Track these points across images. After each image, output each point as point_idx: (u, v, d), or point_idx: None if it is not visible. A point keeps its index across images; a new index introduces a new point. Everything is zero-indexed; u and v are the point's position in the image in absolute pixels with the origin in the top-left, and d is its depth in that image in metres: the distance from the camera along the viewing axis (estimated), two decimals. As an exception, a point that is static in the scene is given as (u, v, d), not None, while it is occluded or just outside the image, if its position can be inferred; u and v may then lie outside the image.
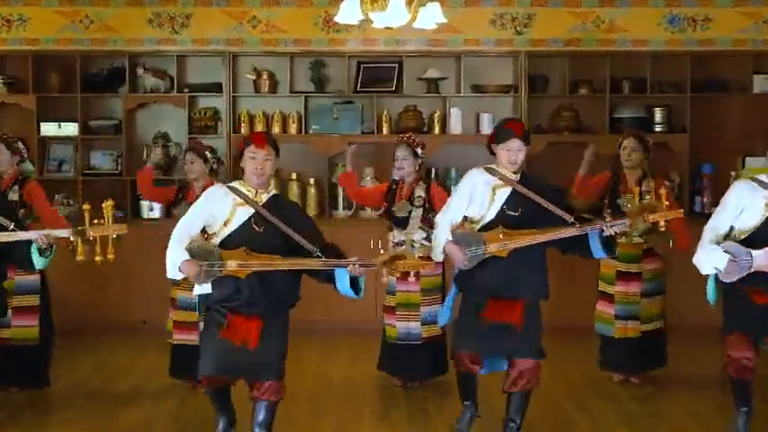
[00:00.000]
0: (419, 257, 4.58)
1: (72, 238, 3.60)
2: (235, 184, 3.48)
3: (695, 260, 3.56)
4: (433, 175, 6.31)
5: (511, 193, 3.63)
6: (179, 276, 3.38)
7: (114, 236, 3.56)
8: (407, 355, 4.68)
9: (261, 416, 3.41)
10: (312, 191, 6.38)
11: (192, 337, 4.52)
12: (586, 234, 3.56)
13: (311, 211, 6.32)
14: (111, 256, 3.58)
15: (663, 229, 3.69)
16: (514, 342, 3.62)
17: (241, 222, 3.38)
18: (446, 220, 3.70)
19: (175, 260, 3.33)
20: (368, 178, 6.32)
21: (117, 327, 5.97)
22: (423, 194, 4.66)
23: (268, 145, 3.40)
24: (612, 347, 4.78)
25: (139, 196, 6.06)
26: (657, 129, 6.35)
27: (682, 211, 3.68)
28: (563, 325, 5.16)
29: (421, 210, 4.63)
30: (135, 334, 5.87)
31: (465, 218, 3.71)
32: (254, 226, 3.34)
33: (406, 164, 4.66)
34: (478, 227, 3.64)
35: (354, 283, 3.35)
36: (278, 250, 3.33)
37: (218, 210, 3.40)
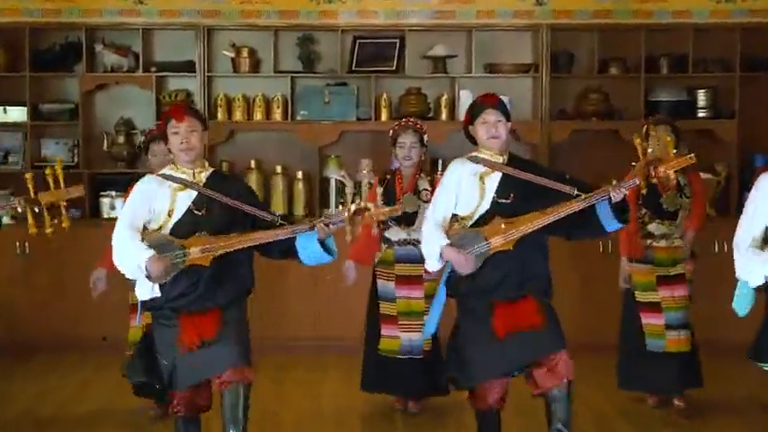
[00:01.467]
0: (425, 270, 4.54)
1: (20, 209, 3.60)
2: (165, 170, 3.53)
3: (738, 271, 3.43)
4: (439, 168, 6.26)
5: (501, 178, 3.64)
6: (141, 276, 3.37)
7: (64, 203, 3.60)
8: (406, 371, 4.67)
9: (228, 409, 3.42)
10: (300, 186, 6.35)
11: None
12: (593, 208, 3.52)
13: (299, 210, 6.33)
14: (66, 224, 3.61)
15: (674, 181, 3.69)
16: (538, 342, 3.60)
17: (186, 209, 3.45)
18: (434, 221, 3.68)
19: (137, 258, 3.32)
20: (364, 171, 6.28)
21: (70, 344, 5.93)
22: (428, 188, 4.65)
23: (188, 116, 3.46)
24: (652, 364, 4.71)
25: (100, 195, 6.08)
26: (701, 114, 6.33)
27: (692, 156, 3.60)
28: (575, 342, 5.08)
29: (428, 205, 4.56)
30: (92, 352, 5.83)
31: (455, 217, 3.69)
32: (195, 210, 3.42)
33: (414, 152, 4.65)
34: (471, 223, 3.63)
35: (324, 246, 3.43)
36: (230, 230, 3.42)
37: (158, 201, 3.45)
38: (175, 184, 3.45)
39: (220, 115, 6.28)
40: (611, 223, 3.56)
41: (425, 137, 4.72)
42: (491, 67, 6.35)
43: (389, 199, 4.70)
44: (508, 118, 3.71)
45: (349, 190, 6.25)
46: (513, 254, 3.56)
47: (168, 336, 3.43)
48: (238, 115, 6.28)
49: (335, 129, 6.24)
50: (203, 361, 3.40)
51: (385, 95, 6.34)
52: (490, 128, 3.65)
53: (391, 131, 4.75)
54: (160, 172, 3.54)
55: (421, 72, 6.37)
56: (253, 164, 6.34)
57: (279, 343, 5.84)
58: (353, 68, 6.34)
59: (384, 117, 6.31)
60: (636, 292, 4.76)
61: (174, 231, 3.41)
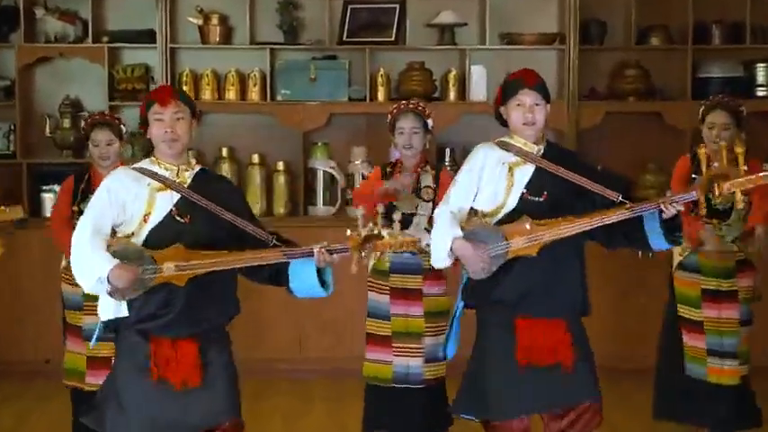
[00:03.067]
0: (426, 277, 4.42)
1: None
2: (143, 164, 3.48)
3: None
4: (447, 158, 6.20)
5: (534, 171, 3.62)
6: (104, 291, 3.33)
7: None
8: (401, 404, 4.65)
9: None
10: (281, 180, 6.32)
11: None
12: (640, 218, 3.51)
13: (280, 207, 6.31)
14: (1, 250, 3.66)
15: (741, 205, 3.66)
16: (566, 385, 3.60)
17: (163, 215, 3.39)
18: (447, 211, 3.67)
19: (98, 270, 3.28)
20: (357, 162, 6.23)
21: (7, 370, 5.91)
22: (431, 184, 4.64)
23: (176, 99, 3.42)
24: (695, 393, 4.67)
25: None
26: (760, 93, 6.36)
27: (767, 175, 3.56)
28: (605, 364, 5.05)
29: (430, 205, 4.57)
30: (31, 379, 5.81)
31: (473, 211, 3.69)
32: (177, 217, 3.37)
33: (417, 140, 4.63)
34: (493, 221, 3.63)
35: (320, 276, 3.40)
36: (215, 245, 3.37)
37: (132, 201, 3.39)
38: (155, 183, 3.39)
39: (186, 94, 6.21)
40: (658, 241, 3.54)
41: (430, 121, 4.69)
42: (508, 37, 6.36)
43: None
44: (548, 99, 3.67)
45: (340, 184, 6.26)
46: (542, 261, 3.53)
47: (136, 358, 3.37)
48: (207, 95, 6.26)
49: (323, 111, 6.22)
50: (187, 412, 3.36)
51: (382, 71, 6.32)
52: (526, 112, 3.61)
53: (389, 115, 4.73)
54: (136, 165, 3.48)
55: (425, 43, 6.39)
56: (224, 153, 6.32)
57: (255, 366, 5.70)
58: (344, 39, 6.34)
59: (381, 97, 6.29)
60: (678, 305, 4.72)
61: (149, 240, 3.36)
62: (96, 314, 4.33)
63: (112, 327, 3.40)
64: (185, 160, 3.45)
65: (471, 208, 3.67)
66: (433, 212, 4.46)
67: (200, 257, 3.30)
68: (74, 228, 4.47)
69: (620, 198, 3.51)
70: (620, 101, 6.29)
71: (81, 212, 4.53)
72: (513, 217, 3.57)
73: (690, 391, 4.64)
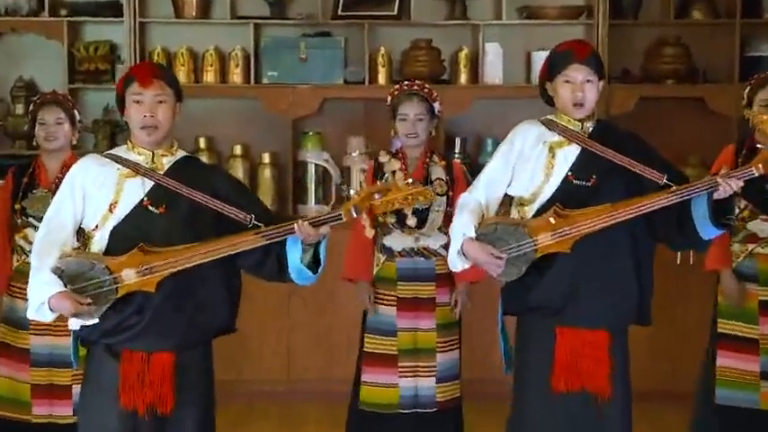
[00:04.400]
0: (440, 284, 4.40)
1: None
2: (117, 150, 3.52)
3: None
4: (457, 149, 6.19)
5: (580, 153, 3.64)
6: (49, 317, 3.36)
7: None
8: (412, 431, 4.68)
9: None
10: (267, 174, 6.34)
11: (63, 411, 4.54)
12: (688, 203, 3.51)
13: (265, 203, 6.17)
14: None
15: None
16: (601, 417, 3.63)
17: (133, 205, 3.39)
18: (470, 202, 3.70)
19: (40, 294, 3.31)
20: (355, 154, 6.20)
21: None
22: (443, 176, 4.65)
23: (159, 79, 3.43)
24: (743, 424, 4.63)
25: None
26: None
27: None
28: (636, 386, 5.05)
29: (444, 200, 4.62)
30: None
31: (508, 198, 3.70)
32: (150, 207, 3.38)
33: (422, 127, 4.66)
34: (533, 210, 3.64)
35: (313, 256, 3.42)
36: (199, 239, 3.37)
37: (97, 188, 3.41)
38: (125, 169, 3.41)
39: (157, 77, 6.19)
40: (707, 227, 3.55)
41: (437, 105, 4.69)
42: (528, 11, 6.38)
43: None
44: (601, 75, 3.70)
45: (334, 179, 6.27)
46: (580, 258, 3.55)
47: (103, 378, 3.38)
48: (182, 76, 6.20)
49: (315, 96, 6.21)
50: None
51: (383, 50, 6.32)
52: (576, 90, 3.63)
53: (390, 98, 4.75)
54: (109, 152, 3.53)
55: (432, 17, 6.41)
56: (202, 143, 6.35)
57: (236, 389, 5.84)
58: (340, 13, 6.33)
59: (381, 80, 6.30)
60: (720, 321, 4.71)
61: (116, 234, 3.36)
62: (47, 334, 4.31)
63: (85, 337, 3.41)
64: (166, 147, 3.46)
65: (506, 194, 3.71)
66: (447, 208, 4.51)
67: (163, 256, 3.29)
68: (13, 231, 4.46)
69: (664, 180, 3.53)
70: (657, 84, 6.28)
71: (24, 212, 4.55)
72: (552, 204, 3.59)
73: (738, 425, 4.61)
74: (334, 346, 5.91)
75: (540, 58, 6.24)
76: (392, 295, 4.62)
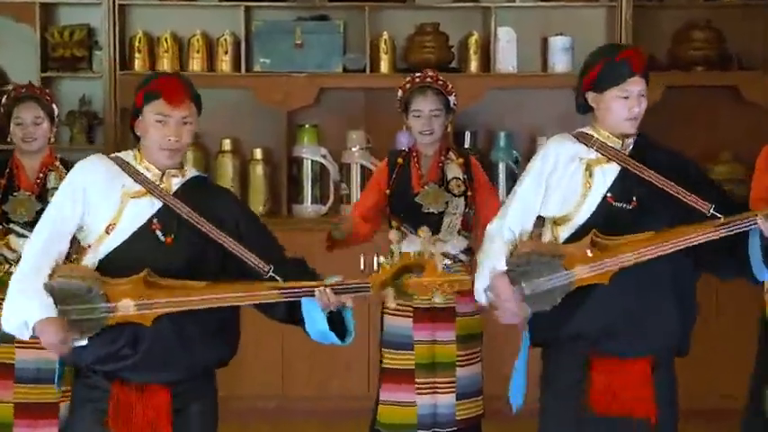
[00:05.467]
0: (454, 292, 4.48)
1: None
2: (125, 155, 3.44)
3: None
4: (467, 143, 6.35)
5: (620, 173, 3.61)
6: (26, 337, 3.34)
7: None
8: None
9: None
10: (258, 171, 6.34)
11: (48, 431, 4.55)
12: (746, 236, 3.47)
13: (257, 204, 6.30)
14: None
15: None
16: None
17: (137, 226, 3.34)
18: (507, 228, 3.65)
19: (25, 312, 3.28)
20: (354, 149, 6.23)
21: None
22: (460, 175, 4.67)
23: (188, 99, 3.37)
24: None
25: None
26: None
27: None
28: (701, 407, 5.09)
29: (462, 200, 4.63)
30: None
31: (542, 220, 3.68)
32: (157, 233, 3.33)
33: (437, 123, 4.66)
34: (568, 232, 3.62)
35: (335, 320, 3.37)
36: (201, 273, 3.34)
37: (100, 200, 3.35)
38: (131, 185, 3.35)
39: (138, 64, 6.26)
40: (761, 269, 3.52)
41: (453, 99, 4.72)
42: None
43: (402, 192, 4.69)
44: (648, 84, 3.66)
45: (333, 176, 6.28)
46: (620, 290, 3.52)
47: (93, 404, 3.37)
48: (165, 64, 6.26)
49: (311, 85, 6.22)
50: None
51: (385, 36, 6.34)
52: (632, 105, 3.58)
53: (401, 92, 4.73)
54: (118, 155, 3.44)
55: (440, 0, 6.34)
56: (188, 137, 6.28)
57: (229, 406, 5.73)
58: None
59: (384, 68, 6.30)
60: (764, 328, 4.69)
61: (113, 257, 3.32)
62: (34, 348, 4.34)
63: (73, 362, 3.38)
64: (177, 163, 3.40)
65: (539, 216, 3.68)
66: (466, 209, 4.55)
67: (167, 292, 3.25)
68: None
69: (711, 209, 3.49)
70: (686, 72, 6.30)
71: (4, 216, 4.56)
72: (588, 229, 3.56)
73: None
74: (333, 360, 5.89)
75: (557, 43, 6.34)
76: (407, 306, 4.60)
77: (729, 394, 5.55)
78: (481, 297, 3.67)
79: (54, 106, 4.70)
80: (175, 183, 3.38)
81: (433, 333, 4.61)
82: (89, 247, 3.34)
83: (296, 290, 3.29)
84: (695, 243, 3.48)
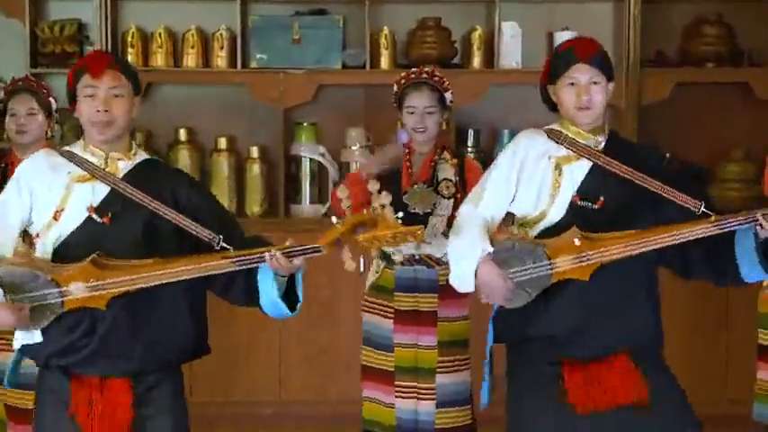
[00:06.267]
0: (443, 296, 4.41)
1: None
2: (73, 146, 3.52)
3: None
4: (469, 142, 6.25)
5: (590, 170, 3.62)
6: None
7: None
8: None
9: None
10: (255, 170, 6.35)
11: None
12: (732, 239, 3.47)
13: (254, 205, 6.35)
14: None
15: None
16: (652, 428, 3.59)
17: (85, 213, 3.41)
18: (478, 217, 3.67)
19: None
20: (354, 148, 6.20)
21: None
22: (452, 177, 4.64)
23: (113, 69, 3.43)
24: None
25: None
26: None
27: None
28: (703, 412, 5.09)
29: (451, 203, 4.60)
30: None
31: (510, 216, 3.68)
32: (94, 215, 3.40)
33: (431, 120, 4.66)
34: (534, 233, 3.63)
35: (289, 290, 3.42)
36: (154, 253, 3.40)
37: (45, 191, 3.42)
38: (77, 171, 3.43)
39: (131, 60, 6.20)
40: (752, 269, 3.50)
41: (448, 95, 4.69)
42: None
43: (391, 190, 4.55)
44: (610, 76, 3.67)
45: (331, 175, 6.27)
46: (596, 288, 3.52)
47: (54, 400, 3.40)
48: (159, 60, 6.28)
49: (310, 82, 6.22)
50: None
51: (386, 30, 6.33)
52: (580, 93, 3.61)
53: (396, 87, 4.73)
54: (64, 148, 3.52)
55: None
56: (182, 135, 6.34)
57: (224, 411, 5.88)
58: None
59: (384, 64, 6.31)
60: (761, 332, 4.77)
61: (64, 245, 3.38)
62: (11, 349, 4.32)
63: (33, 356, 3.41)
64: (123, 147, 3.46)
65: (507, 213, 3.69)
66: (453, 212, 4.48)
67: (119, 272, 3.29)
68: None
69: (702, 208, 3.48)
70: (696, 68, 6.28)
71: None
72: (558, 230, 3.57)
73: None
74: (331, 364, 5.92)
75: (563, 38, 6.23)
76: (388, 306, 4.63)
77: (737, 399, 5.56)
78: (467, 285, 3.63)
79: (51, 100, 4.71)
80: (123, 167, 3.44)
81: (417, 337, 4.61)
82: (37, 236, 3.39)
83: (246, 258, 3.31)
84: (686, 239, 3.46)
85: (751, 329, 5.35)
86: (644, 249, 3.48)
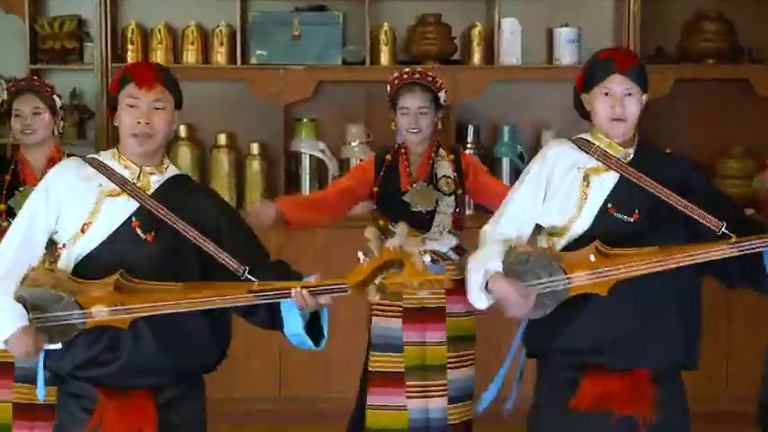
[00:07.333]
0: (450, 291, 4.44)
1: None
2: (103, 155, 3.47)
3: None
4: (469, 138, 6.29)
5: (618, 182, 3.58)
6: (14, 352, 3.39)
7: None
8: None
9: None
10: (254, 166, 6.36)
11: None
12: (761, 254, 3.44)
13: (254, 201, 6.24)
14: None
15: None
16: None
17: (115, 226, 3.35)
18: (495, 234, 3.65)
19: None
20: (354, 144, 6.22)
21: None
22: (450, 173, 4.64)
23: (160, 83, 3.39)
24: None
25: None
26: None
27: None
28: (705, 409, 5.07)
29: (453, 199, 4.62)
30: None
31: (538, 228, 3.65)
32: (138, 230, 3.35)
33: (425, 121, 4.66)
34: (563, 243, 3.59)
35: (313, 323, 3.39)
36: (182, 272, 3.36)
37: (75, 203, 3.38)
38: (108, 184, 3.38)
39: (131, 56, 6.27)
40: None
41: (442, 94, 4.68)
42: None
43: (391, 189, 4.68)
44: (645, 88, 3.63)
45: (332, 172, 6.29)
46: (619, 304, 3.51)
47: (75, 413, 3.39)
48: (159, 56, 6.28)
49: (310, 78, 6.23)
50: None
51: (386, 27, 6.35)
52: (615, 105, 3.57)
53: (389, 88, 4.74)
54: (92, 155, 3.48)
55: None
56: (182, 131, 6.34)
57: (223, 409, 5.82)
58: None
59: (384, 60, 6.32)
60: None
61: (89, 258, 3.34)
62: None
63: (53, 369, 3.41)
64: (155, 161, 3.42)
65: (536, 225, 3.66)
66: (456, 209, 4.51)
67: (142, 296, 3.26)
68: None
69: (722, 229, 3.46)
70: (696, 64, 6.29)
71: (10, 212, 4.56)
72: (585, 241, 3.55)
73: None
74: (331, 361, 5.90)
75: (562, 34, 6.37)
76: (396, 306, 4.61)
77: (741, 397, 5.56)
78: (481, 302, 3.62)
79: (55, 98, 4.69)
80: (154, 181, 3.40)
81: (423, 334, 4.62)
82: (63, 246, 3.36)
83: (270, 292, 3.28)
84: (705, 260, 3.45)
85: (752, 327, 5.39)
86: (661, 268, 3.46)
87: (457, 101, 5.96)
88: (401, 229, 3.30)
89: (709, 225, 3.47)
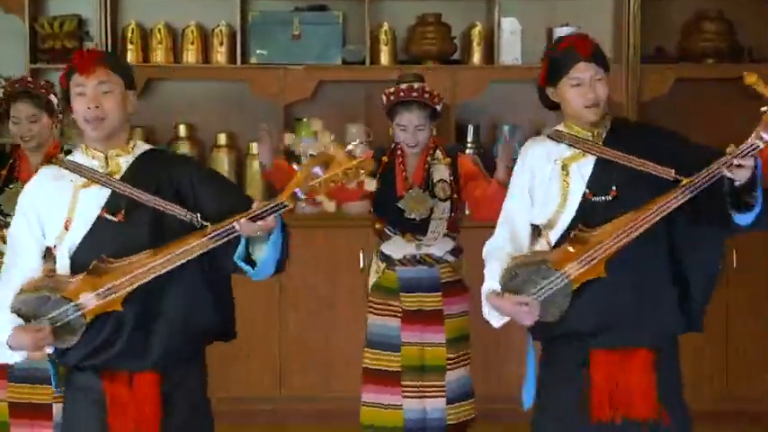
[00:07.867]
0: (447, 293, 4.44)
1: None
2: (75, 153, 3.54)
3: None
4: (469, 138, 6.26)
5: (595, 165, 3.60)
6: (14, 358, 3.43)
7: None
8: None
9: None
10: (255, 166, 6.36)
11: (43, 432, 4.55)
12: (719, 190, 3.44)
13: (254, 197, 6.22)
14: None
15: None
16: None
17: (94, 215, 3.40)
18: (495, 249, 3.67)
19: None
20: (354, 143, 6.19)
21: None
22: (447, 178, 4.66)
23: (101, 66, 3.43)
24: None
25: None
26: None
27: None
28: (698, 407, 5.08)
29: (448, 204, 4.63)
30: None
31: (536, 230, 3.66)
32: (108, 216, 3.39)
33: (423, 136, 4.68)
34: (556, 237, 3.60)
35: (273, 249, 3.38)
36: (161, 244, 3.38)
37: (53, 206, 3.43)
38: (79, 179, 3.43)
39: (131, 56, 6.27)
40: (735, 215, 3.48)
41: (439, 107, 4.69)
42: None
43: (386, 193, 4.65)
44: (607, 68, 3.66)
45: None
46: (617, 277, 3.50)
47: (86, 401, 3.41)
48: (159, 56, 6.31)
49: (310, 78, 6.24)
50: None
51: (386, 26, 6.36)
52: (586, 91, 3.59)
53: (385, 100, 4.71)
54: (67, 158, 3.52)
55: None
56: (182, 131, 6.38)
57: (223, 407, 5.67)
58: None
59: (384, 60, 6.33)
60: None
61: (79, 251, 3.37)
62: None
63: (62, 361, 3.43)
64: (120, 143, 3.45)
65: (532, 226, 3.69)
66: (451, 213, 4.53)
67: (118, 274, 3.29)
68: None
69: (672, 174, 3.48)
70: (696, 64, 6.29)
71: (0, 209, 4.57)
72: (576, 228, 3.55)
73: None
74: (331, 359, 5.93)
75: (563, 34, 6.28)
76: (396, 306, 4.64)
77: (741, 396, 5.58)
78: (493, 321, 3.66)
79: (51, 98, 4.67)
80: (123, 162, 3.44)
81: (422, 335, 4.62)
82: (54, 247, 3.40)
83: (220, 231, 3.28)
84: (668, 210, 3.46)
85: (753, 326, 5.39)
86: (636, 233, 3.47)
87: (457, 101, 5.96)
88: (320, 133, 3.34)
89: (661, 175, 3.49)
